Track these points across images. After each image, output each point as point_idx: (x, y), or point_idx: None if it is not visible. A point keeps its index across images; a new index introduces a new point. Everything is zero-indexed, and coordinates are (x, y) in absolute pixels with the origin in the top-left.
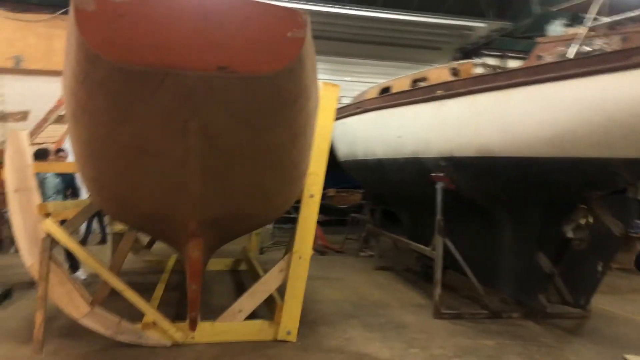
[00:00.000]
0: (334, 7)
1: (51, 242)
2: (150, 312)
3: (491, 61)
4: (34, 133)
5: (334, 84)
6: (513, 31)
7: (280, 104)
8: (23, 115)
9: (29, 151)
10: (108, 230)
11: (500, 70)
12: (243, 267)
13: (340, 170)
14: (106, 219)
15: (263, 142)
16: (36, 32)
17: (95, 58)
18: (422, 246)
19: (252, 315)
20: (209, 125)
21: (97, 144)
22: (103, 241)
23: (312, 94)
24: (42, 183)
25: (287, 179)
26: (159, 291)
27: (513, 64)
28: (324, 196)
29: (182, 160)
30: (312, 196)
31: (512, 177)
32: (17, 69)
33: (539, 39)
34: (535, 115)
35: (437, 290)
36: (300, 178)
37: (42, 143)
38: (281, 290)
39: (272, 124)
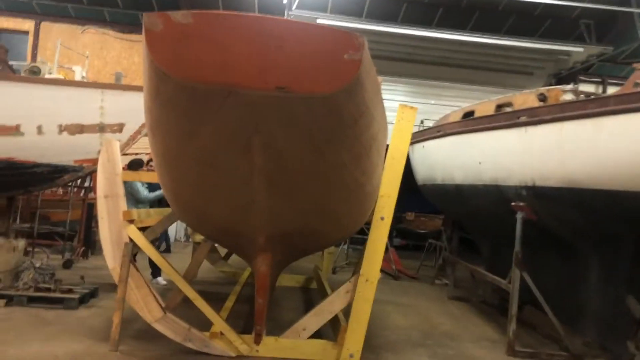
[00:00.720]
0: (424, 31)
1: (133, 247)
2: (218, 323)
3: (589, 88)
4: (127, 144)
5: (411, 106)
6: (615, 56)
7: (340, 124)
8: (119, 127)
9: (120, 160)
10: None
11: (591, 97)
12: (314, 285)
13: (421, 194)
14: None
15: (325, 161)
16: (141, 52)
17: (164, 75)
18: (498, 278)
19: (317, 334)
20: (271, 143)
21: (171, 156)
22: (167, 250)
23: (376, 116)
24: (130, 191)
25: (352, 199)
26: (229, 302)
27: (613, 91)
28: (402, 219)
29: (249, 176)
30: (382, 219)
31: (601, 211)
32: (117, 85)
33: (637, 65)
34: (629, 146)
35: (512, 326)
36: (368, 199)
37: (138, 153)
38: (347, 311)
39: (333, 143)
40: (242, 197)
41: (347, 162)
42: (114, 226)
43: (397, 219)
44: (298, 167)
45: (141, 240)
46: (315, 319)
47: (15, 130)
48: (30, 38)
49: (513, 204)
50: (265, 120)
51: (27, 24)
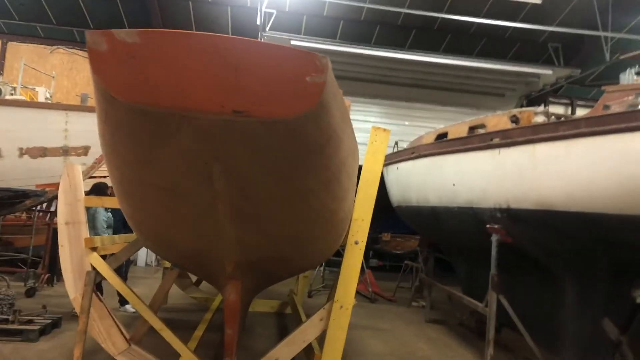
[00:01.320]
0: (397, 53)
1: (95, 275)
2: (186, 354)
3: (559, 109)
4: (92, 167)
5: (384, 128)
6: (582, 78)
7: (305, 150)
8: (84, 150)
9: (82, 185)
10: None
11: (562, 119)
12: (289, 310)
13: (397, 215)
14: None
15: (292, 189)
16: None
17: (111, 98)
18: (474, 301)
19: None
20: (233, 170)
21: (127, 183)
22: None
23: (345, 140)
24: (93, 217)
25: (324, 225)
26: (199, 331)
27: (582, 112)
28: (379, 240)
29: (212, 203)
30: (357, 243)
31: (575, 234)
32: (83, 106)
33: (606, 88)
34: (601, 168)
35: (490, 351)
36: (341, 224)
37: (105, 176)
38: (322, 339)
39: (299, 170)
40: (207, 225)
41: (315, 189)
42: (76, 254)
43: (373, 239)
44: (263, 195)
45: (104, 269)
46: (287, 348)
47: None
48: None
49: (488, 226)
50: (225, 147)
51: None
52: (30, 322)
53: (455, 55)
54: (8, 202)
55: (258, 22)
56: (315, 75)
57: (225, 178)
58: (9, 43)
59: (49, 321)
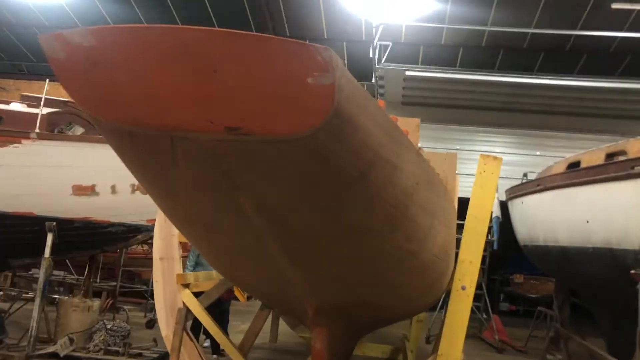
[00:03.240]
0: (525, 78)
1: (187, 313)
2: None
3: None
4: None
5: (495, 156)
6: None
7: (337, 177)
8: None
9: None
10: None
11: None
12: (401, 358)
13: None
14: None
15: (341, 225)
16: None
17: (92, 117)
18: None
19: None
20: (262, 202)
21: (169, 216)
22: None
23: (403, 166)
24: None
25: (405, 269)
26: None
27: None
28: (510, 282)
29: (259, 241)
30: (463, 288)
31: None
32: None
33: None
34: None
35: None
36: (430, 267)
37: None
38: None
39: (341, 202)
40: (267, 265)
41: (374, 226)
42: (169, 290)
43: (504, 281)
44: (310, 232)
45: (195, 306)
46: None
47: (91, 191)
48: None
49: (632, 272)
50: (238, 174)
51: None
52: (138, 355)
53: (592, 77)
54: (122, 236)
55: (371, 55)
56: (319, 75)
57: (258, 212)
58: None
59: (156, 355)
